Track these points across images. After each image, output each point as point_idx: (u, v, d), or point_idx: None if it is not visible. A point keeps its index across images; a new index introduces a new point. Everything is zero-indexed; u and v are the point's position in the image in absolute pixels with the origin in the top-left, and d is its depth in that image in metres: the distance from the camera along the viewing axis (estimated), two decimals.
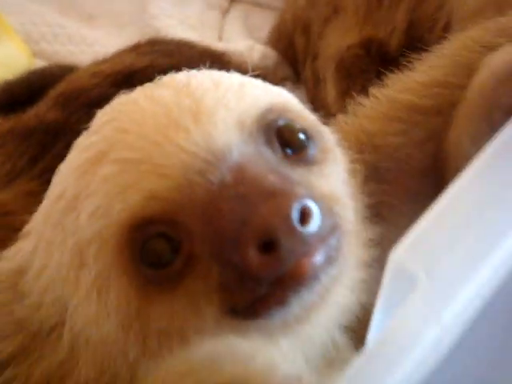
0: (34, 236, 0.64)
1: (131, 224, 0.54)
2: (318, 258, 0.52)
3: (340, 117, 0.77)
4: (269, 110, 0.59)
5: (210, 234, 0.53)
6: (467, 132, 0.64)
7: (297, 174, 0.57)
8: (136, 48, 1.23)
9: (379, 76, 0.77)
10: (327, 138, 0.63)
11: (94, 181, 0.56)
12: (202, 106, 0.57)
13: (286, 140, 0.59)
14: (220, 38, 1.46)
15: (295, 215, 0.51)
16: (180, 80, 0.62)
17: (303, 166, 0.59)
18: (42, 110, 1.06)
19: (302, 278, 0.52)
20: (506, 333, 0.73)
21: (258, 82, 0.65)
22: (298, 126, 0.60)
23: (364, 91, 0.77)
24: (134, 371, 0.58)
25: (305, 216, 0.51)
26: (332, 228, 0.55)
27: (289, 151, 0.59)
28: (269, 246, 0.50)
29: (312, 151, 0.60)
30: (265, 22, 1.42)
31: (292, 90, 1.24)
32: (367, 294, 0.65)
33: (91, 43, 1.41)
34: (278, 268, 0.51)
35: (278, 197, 0.51)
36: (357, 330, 0.71)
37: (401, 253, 0.54)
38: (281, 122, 0.59)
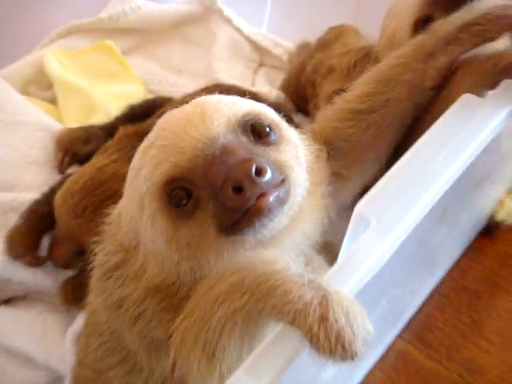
0: (123, 193, 0.63)
1: (165, 182, 0.54)
2: (271, 198, 0.51)
3: (311, 124, 0.75)
4: (247, 114, 0.58)
5: (207, 184, 0.52)
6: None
7: (260, 150, 0.56)
8: (205, 89, 1.20)
9: None
10: (284, 130, 0.61)
11: (146, 158, 0.56)
12: (207, 112, 0.56)
13: (257, 131, 0.57)
14: (253, 85, 1.44)
15: (253, 171, 0.50)
16: (199, 99, 0.60)
17: (266, 145, 0.57)
18: (152, 121, 1.02)
19: (260, 209, 0.51)
20: (416, 250, 0.73)
21: (246, 100, 0.62)
22: (265, 123, 0.58)
23: None
24: (178, 270, 0.57)
25: (259, 171, 0.50)
26: (282, 180, 0.54)
27: (257, 137, 0.57)
28: (239, 189, 0.50)
29: (273, 137, 0.58)
30: (279, 77, 1.39)
31: (294, 116, 1.25)
32: (329, 228, 0.65)
33: (180, 86, 1.39)
34: (245, 203, 0.50)
35: (244, 162, 0.51)
36: (330, 253, 0.69)
37: (361, 205, 0.53)
38: (254, 121, 0.57)
